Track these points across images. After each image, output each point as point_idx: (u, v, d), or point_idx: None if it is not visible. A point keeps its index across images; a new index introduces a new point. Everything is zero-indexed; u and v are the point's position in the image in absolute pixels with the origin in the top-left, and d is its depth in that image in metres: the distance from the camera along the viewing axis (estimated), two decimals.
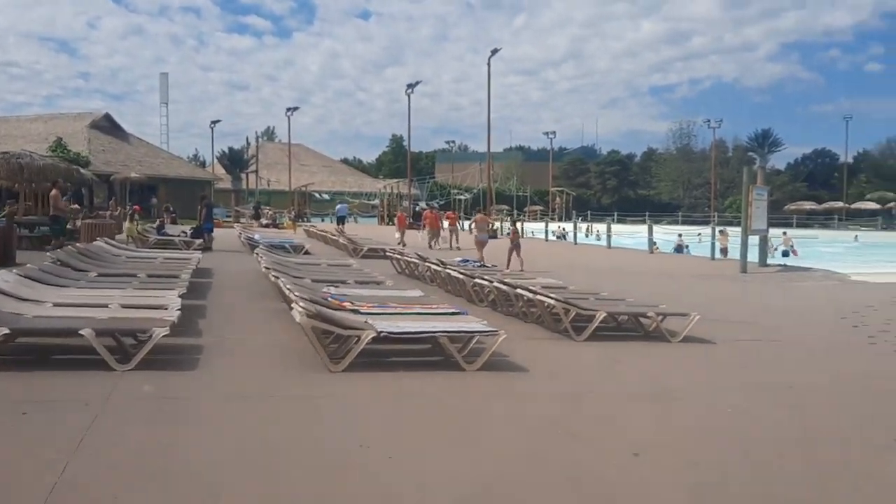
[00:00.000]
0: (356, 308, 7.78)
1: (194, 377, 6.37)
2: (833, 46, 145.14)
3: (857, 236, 46.91)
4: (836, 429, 5.57)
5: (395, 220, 32.77)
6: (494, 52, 44.94)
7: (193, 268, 12.53)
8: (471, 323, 7.45)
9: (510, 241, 19.30)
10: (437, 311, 8.10)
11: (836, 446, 5.13)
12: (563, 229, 43.05)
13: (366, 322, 6.92)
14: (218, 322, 9.16)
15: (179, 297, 8.58)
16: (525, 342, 8.36)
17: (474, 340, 7.21)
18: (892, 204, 66.40)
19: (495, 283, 10.50)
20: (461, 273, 11.93)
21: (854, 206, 69.20)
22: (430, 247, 25.66)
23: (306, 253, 20.04)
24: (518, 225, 24.17)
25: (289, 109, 61.66)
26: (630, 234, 33.39)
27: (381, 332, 6.59)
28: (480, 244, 20.10)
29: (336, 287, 9.76)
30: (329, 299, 8.08)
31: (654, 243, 27.76)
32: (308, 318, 6.51)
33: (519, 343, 8.06)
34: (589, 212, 64.14)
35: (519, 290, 9.77)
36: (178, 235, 23.24)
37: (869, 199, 69.28)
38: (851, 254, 33.65)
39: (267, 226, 41.04)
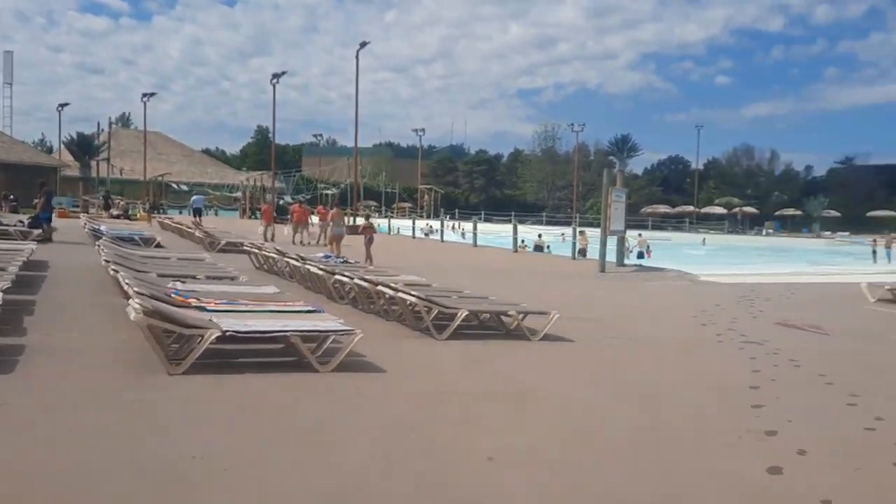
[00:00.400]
0: (203, 305, 7.23)
1: (10, 381, 5.66)
2: (687, 59, 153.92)
3: (704, 239, 49.75)
4: (689, 426, 5.62)
5: (261, 214, 31.68)
6: (363, 45, 44.18)
7: (24, 260, 11.40)
8: (326, 321, 7.07)
9: (364, 237, 19.34)
10: (292, 309, 7.66)
11: (688, 444, 5.15)
12: (431, 227, 43.17)
13: (210, 320, 6.40)
14: (47, 320, 8.32)
15: (1, 291, 7.69)
16: (385, 341, 8.07)
17: (330, 340, 6.84)
18: (737, 209, 71.14)
19: (356, 280, 10.14)
20: (321, 269, 11.49)
21: (704, 210, 73.65)
22: (295, 242, 24.90)
23: (158, 246, 18.93)
24: (371, 220, 24.07)
25: (145, 95, 58.13)
26: (496, 233, 33.83)
27: (227, 331, 6.10)
28: (336, 239, 19.88)
29: (184, 282, 9.10)
30: (173, 295, 7.46)
31: (523, 242, 28.29)
32: (144, 315, 5.93)
33: (378, 342, 7.76)
34: (457, 210, 64.76)
35: (380, 288, 9.47)
36: (14, 225, 21.34)
37: (717, 204, 73.98)
38: (702, 255, 35.58)
39: (118, 217, 38.61)
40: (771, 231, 64.20)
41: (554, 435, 5.19)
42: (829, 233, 62.94)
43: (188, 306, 7.06)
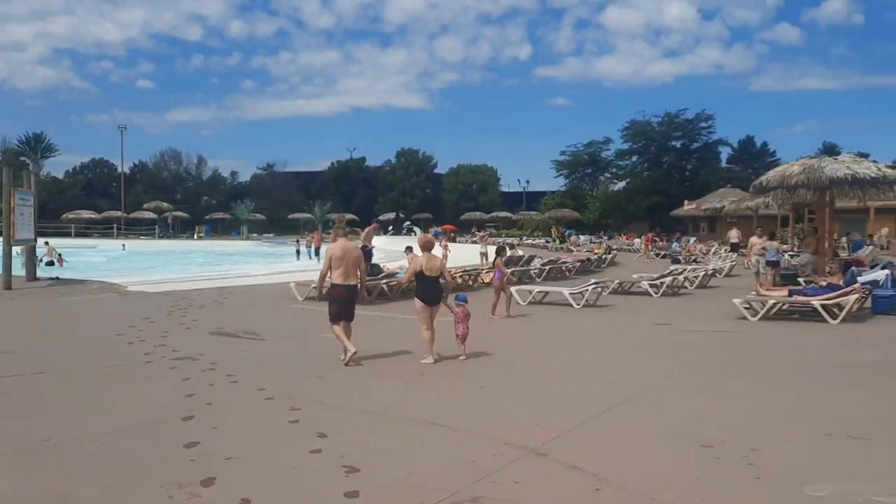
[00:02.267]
0: None
1: None
2: (106, 59, 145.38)
3: (124, 245, 47.31)
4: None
5: None
6: None
7: None
8: None
9: None
10: None
11: None
12: None
13: None
14: None
15: None
16: None
17: None
18: (168, 213, 70.06)
19: None
20: None
21: (133, 215, 70.62)
22: None
23: None
24: None
25: None
26: None
27: None
28: None
29: None
30: None
31: None
32: None
33: None
34: None
35: None
36: None
37: (147, 209, 71.60)
38: (133, 262, 33.40)
39: None
40: (202, 235, 64.84)
41: None
42: (256, 235, 66.41)
43: None
